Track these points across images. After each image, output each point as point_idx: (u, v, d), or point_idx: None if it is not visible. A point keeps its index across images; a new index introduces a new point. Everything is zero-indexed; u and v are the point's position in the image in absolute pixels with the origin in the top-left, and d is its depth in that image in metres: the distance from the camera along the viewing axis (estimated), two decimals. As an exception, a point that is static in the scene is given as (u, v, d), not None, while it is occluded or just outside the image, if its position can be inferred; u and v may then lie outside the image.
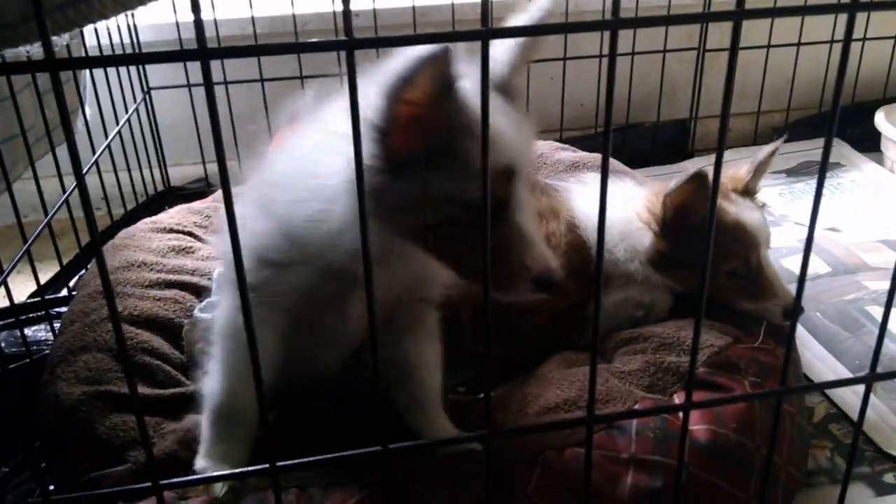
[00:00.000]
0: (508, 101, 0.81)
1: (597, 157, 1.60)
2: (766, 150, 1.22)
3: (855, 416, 1.24)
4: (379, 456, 0.62)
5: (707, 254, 0.64)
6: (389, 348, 0.96)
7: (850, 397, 1.27)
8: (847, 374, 1.31)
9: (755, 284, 1.16)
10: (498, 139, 0.73)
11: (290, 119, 1.49)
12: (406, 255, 0.82)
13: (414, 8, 1.97)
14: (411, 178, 0.74)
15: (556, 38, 2.04)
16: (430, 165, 0.73)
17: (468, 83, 0.71)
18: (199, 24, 0.49)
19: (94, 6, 0.62)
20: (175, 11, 1.79)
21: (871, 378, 0.75)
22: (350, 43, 0.50)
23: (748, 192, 1.22)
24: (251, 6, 1.91)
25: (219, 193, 1.75)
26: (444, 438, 0.93)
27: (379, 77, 0.67)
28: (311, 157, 0.84)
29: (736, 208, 1.16)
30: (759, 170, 1.22)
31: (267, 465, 0.61)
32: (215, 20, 1.85)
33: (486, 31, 0.51)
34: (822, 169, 0.63)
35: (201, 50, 0.50)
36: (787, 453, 1.06)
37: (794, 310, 0.71)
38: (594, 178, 1.32)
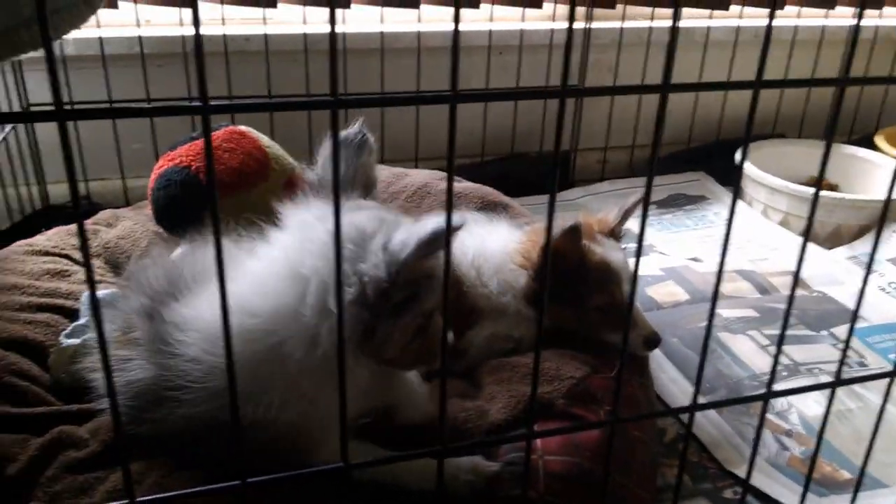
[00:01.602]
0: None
1: (477, 188, 1.68)
2: (632, 198, 1.35)
3: (702, 435, 1.36)
4: (338, 472, 0.65)
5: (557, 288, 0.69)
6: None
7: (699, 419, 1.38)
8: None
9: (619, 317, 1.25)
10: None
11: (170, 147, 1.50)
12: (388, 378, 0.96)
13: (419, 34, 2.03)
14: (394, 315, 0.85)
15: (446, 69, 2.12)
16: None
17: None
18: (55, 84, 0.52)
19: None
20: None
21: (692, 408, 0.84)
22: (205, 108, 0.54)
23: (614, 234, 1.34)
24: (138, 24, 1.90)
25: (102, 214, 1.72)
26: (398, 455, 0.96)
27: (384, 239, 0.82)
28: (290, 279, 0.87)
29: (602, 249, 1.27)
30: (626, 216, 1.35)
31: (238, 482, 0.62)
32: (101, 39, 1.84)
33: (452, 96, 0.56)
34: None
35: (59, 112, 0.52)
36: (637, 476, 1.14)
37: (624, 339, 0.78)
38: (472, 218, 1.39)
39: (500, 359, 1.24)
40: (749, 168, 2.17)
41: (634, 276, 0.75)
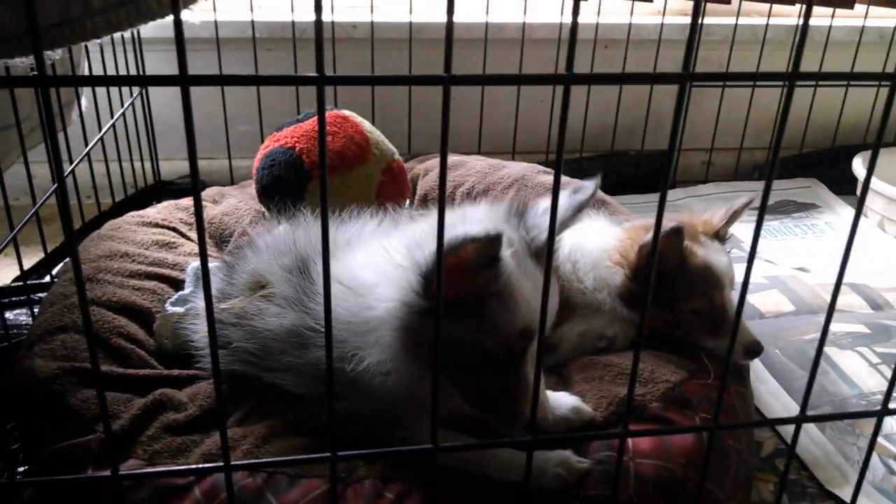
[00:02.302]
0: (539, 265, 0.90)
1: (575, 182, 1.64)
2: (741, 200, 1.29)
3: (802, 453, 1.29)
4: (427, 453, 0.67)
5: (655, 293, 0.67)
6: None
7: (800, 436, 1.31)
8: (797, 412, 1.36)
9: (718, 323, 1.21)
10: (522, 303, 0.84)
11: (276, 129, 1.54)
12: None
13: (410, 24, 2.02)
14: (445, 322, 0.82)
15: (549, 58, 2.09)
16: (463, 315, 0.83)
17: (509, 253, 0.83)
18: (181, 52, 0.53)
19: (87, 27, 0.66)
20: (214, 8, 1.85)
21: (800, 419, 0.79)
22: (321, 79, 0.54)
23: (719, 236, 1.28)
24: (251, 9, 1.96)
25: (208, 191, 1.79)
26: (487, 441, 0.94)
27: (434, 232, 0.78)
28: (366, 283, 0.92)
29: (704, 251, 1.21)
30: (732, 218, 1.29)
31: (328, 454, 0.65)
32: (216, 22, 1.90)
33: (447, 78, 0.55)
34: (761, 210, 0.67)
35: (182, 76, 0.54)
36: (731, 488, 1.10)
37: (730, 348, 0.74)
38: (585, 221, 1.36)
39: (592, 357, 1.21)
40: (866, 176, 2.05)
41: (745, 282, 0.71)
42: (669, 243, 1.16)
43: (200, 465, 0.68)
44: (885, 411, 0.81)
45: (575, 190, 0.97)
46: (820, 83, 2.15)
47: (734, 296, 1.24)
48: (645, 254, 1.19)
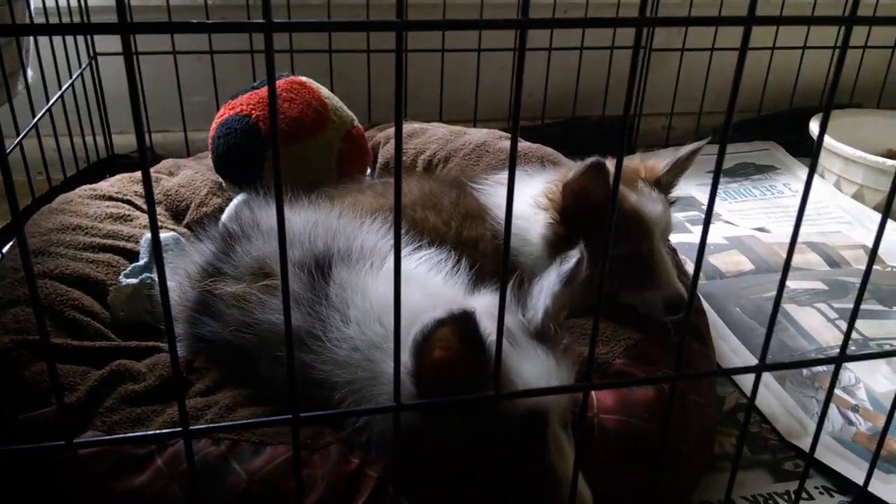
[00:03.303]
0: (545, 346, 0.87)
1: (537, 148, 1.64)
2: (687, 148, 1.24)
3: (763, 406, 1.31)
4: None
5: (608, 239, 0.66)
6: None
7: (760, 390, 1.34)
8: (759, 368, 1.38)
9: (643, 274, 1.16)
10: (520, 385, 0.81)
11: (232, 97, 1.50)
12: None
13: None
14: (444, 420, 0.82)
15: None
16: (462, 414, 0.81)
17: (493, 338, 0.78)
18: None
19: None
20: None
21: (759, 368, 0.80)
22: (268, 25, 0.52)
23: (661, 184, 1.22)
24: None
25: (164, 163, 1.74)
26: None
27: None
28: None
29: (637, 197, 1.16)
30: (677, 166, 1.23)
31: (289, 416, 0.64)
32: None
33: (401, 23, 0.53)
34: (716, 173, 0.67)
35: (122, 24, 0.52)
36: (694, 441, 1.11)
37: (689, 302, 0.74)
38: (521, 178, 1.33)
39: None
40: (818, 136, 2.08)
41: (703, 240, 0.71)
42: (593, 178, 1.09)
43: (157, 431, 0.67)
44: (841, 358, 0.83)
45: (561, 261, 0.91)
46: (777, 46, 2.17)
47: (698, 265, 1.22)
48: (569, 192, 1.14)
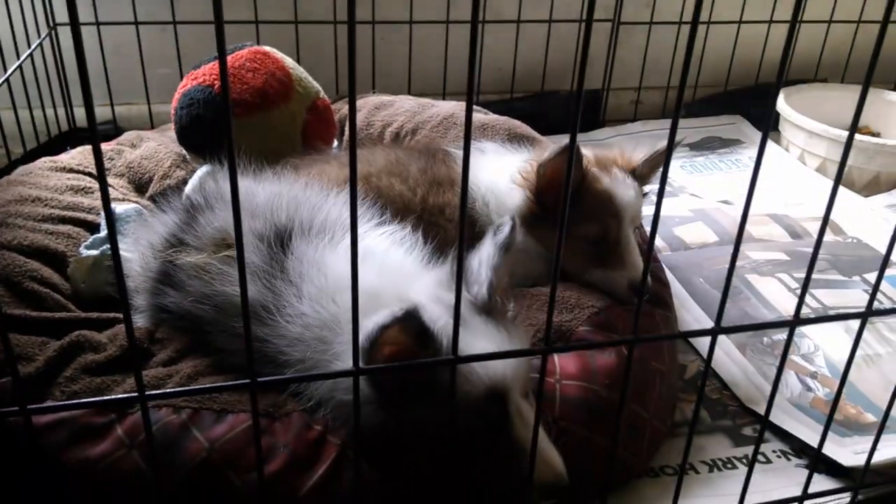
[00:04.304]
0: (494, 320, 0.87)
1: (505, 121, 1.64)
2: (662, 144, 1.25)
3: (724, 373, 1.34)
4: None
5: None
6: None
7: (720, 356, 1.36)
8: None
9: (609, 255, 1.19)
10: (476, 365, 0.80)
11: (194, 67, 1.48)
12: None
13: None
14: (402, 411, 0.82)
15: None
16: (424, 399, 0.81)
17: (442, 322, 0.78)
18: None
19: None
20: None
21: (715, 331, 0.81)
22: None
23: (636, 175, 1.25)
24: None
25: (126, 135, 1.71)
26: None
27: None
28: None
29: (609, 181, 1.19)
30: (653, 158, 1.26)
31: (247, 381, 0.64)
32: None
33: None
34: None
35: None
36: (654, 407, 1.13)
37: (643, 280, 0.74)
38: (492, 148, 1.35)
39: (518, 289, 1.21)
40: (787, 112, 2.10)
41: (655, 218, 0.71)
42: (566, 161, 1.12)
43: (113, 397, 0.66)
44: (795, 322, 0.84)
45: (495, 231, 0.92)
46: (743, 20, 2.19)
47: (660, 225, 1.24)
48: (542, 175, 1.17)
